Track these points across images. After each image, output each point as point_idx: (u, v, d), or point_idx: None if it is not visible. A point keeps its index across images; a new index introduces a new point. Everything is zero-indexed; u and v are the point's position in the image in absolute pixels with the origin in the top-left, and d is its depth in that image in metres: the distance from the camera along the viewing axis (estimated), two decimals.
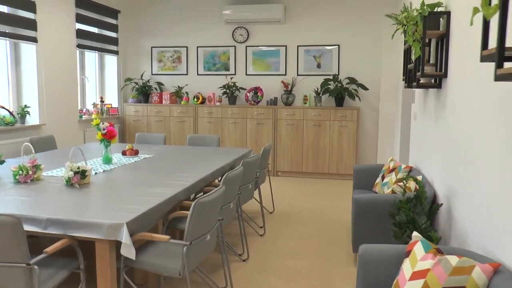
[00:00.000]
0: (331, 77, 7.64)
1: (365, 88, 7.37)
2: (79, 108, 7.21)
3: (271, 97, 7.91)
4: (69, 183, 3.22)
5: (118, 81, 8.26)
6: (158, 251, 2.73)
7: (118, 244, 2.52)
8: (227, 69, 8.08)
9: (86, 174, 3.27)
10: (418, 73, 3.62)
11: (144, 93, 8.14)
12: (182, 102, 8.03)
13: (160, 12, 8.29)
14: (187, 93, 8.11)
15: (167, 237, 2.47)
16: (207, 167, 4.03)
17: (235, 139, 7.66)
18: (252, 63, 7.99)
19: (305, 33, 7.76)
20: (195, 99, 7.96)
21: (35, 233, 2.52)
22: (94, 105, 7.70)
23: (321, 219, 5.19)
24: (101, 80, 8.20)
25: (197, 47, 8.18)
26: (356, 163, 7.38)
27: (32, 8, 6.08)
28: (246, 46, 7.99)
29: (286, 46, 7.84)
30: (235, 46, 8.03)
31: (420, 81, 3.85)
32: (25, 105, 6.07)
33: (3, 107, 5.81)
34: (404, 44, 4.62)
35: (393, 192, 3.76)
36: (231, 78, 7.96)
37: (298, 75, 7.85)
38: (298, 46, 7.80)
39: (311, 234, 4.67)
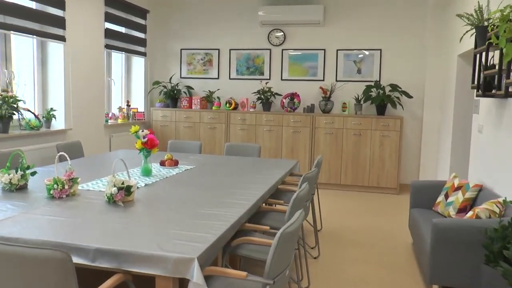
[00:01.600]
0: (372, 83, 7.16)
1: (409, 96, 6.88)
2: (105, 112, 6.81)
3: (307, 104, 7.44)
4: (112, 200, 2.78)
5: (145, 84, 7.86)
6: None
7: (181, 280, 2.06)
8: (261, 74, 7.64)
9: (132, 190, 2.83)
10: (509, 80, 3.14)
11: (172, 98, 7.71)
12: (214, 108, 7.59)
13: (191, 12, 7.88)
14: (218, 98, 7.68)
15: (244, 273, 2.02)
16: (261, 182, 3.57)
17: (269, 148, 7.19)
18: (288, 68, 7.54)
19: (345, 36, 7.30)
20: (227, 105, 7.52)
21: (80, 266, 2.07)
22: (120, 109, 7.30)
23: (376, 240, 4.70)
24: (127, 83, 7.80)
25: (230, 49, 7.75)
26: (399, 177, 6.88)
27: (61, 5, 5.69)
28: (282, 49, 7.54)
29: (324, 49, 7.39)
30: (270, 49, 7.59)
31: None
32: (51, 108, 5.67)
33: (28, 110, 5.41)
34: (475, 47, 4.13)
35: (477, 216, 3.27)
36: (266, 83, 7.52)
37: (336, 80, 7.38)
38: (337, 50, 7.34)
39: (370, 257, 4.18)
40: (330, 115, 7.04)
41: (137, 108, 7.61)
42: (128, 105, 7.40)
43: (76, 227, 2.32)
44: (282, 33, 7.50)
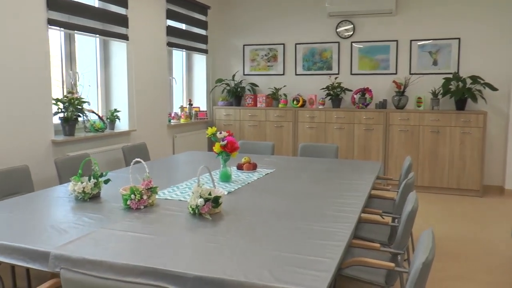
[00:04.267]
0: (449, 76, 6.58)
1: (494, 89, 6.26)
2: (167, 111, 6.57)
3: (380, 99, 6.94)
4: (198, 213, 2.44)
5: (207, 82, 7.58)
6: None
7: None
8: (329, 68, 7.20)
9: (220, 201, 2.48)
10: None
11: (236, 95, 7.39)
12: (280, 105, 7.22)
13: (254, 6, 7.53)
14: (285, 95, 7.29)
15: None
16: (355, 189, 3.16)
17: (340, 147, 6.74)
18: (358, 61, 7.07)
19: (420, 26, 6.75)
20: (295, 102, 7.13)
21: None
22: (182, 108, 7.05)
23: (477, 253, 4.17)
24: (188, 81, 7.55)
25: (296, 44, 7.34)
26: (482, 177, 6.28)
27: (124, 3, 5.46)
28: (352, 42, 7.08)
29: (397, 41, 6.86)
30: (339, 42, 7.13)
31: None
32: (115, 109, 5.46)
33: (93, 112, 5.22)
34: None
35: None
36: (336, 78, 7.07)
37: (410, 73, 6.85)
38: (411, 41, 6.80)
39: (472, 274, 3.69)
40: (404, 111, 6.53)
41: (199, 107, 7.35)
42: (191, 104, 7.15)
43: (165, 248, 1.99)
44: (351, 25, 7.02)
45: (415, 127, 6.46)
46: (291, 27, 7.36)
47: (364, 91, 6.86)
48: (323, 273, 1.69)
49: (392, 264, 2.06)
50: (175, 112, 6.92)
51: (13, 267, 2.04)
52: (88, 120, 5.13)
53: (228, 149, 3.26)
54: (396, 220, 3.10)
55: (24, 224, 2.37)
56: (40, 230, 2.26)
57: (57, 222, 2.39)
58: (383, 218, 3.28)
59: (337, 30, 7.11)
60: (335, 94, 6.88)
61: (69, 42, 5.03)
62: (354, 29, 7.03)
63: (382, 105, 6.76)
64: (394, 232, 2.92)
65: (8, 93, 4.02)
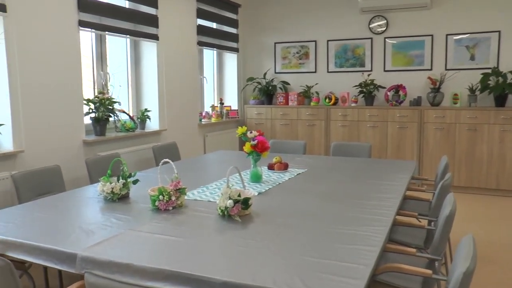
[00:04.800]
0: (487, 71, 6.34)
1: None
2: (198, 111, 6.55)
3: (414, 97, 6.75)
4: (227, 214, 2.38)
5: (238, 81, 7.53)
6: None
7: None
8: (362, 65, 7.05)
9: (249, 203, 2.42)
10: None
11: (267, 94, 7.32)
12: (312, 103, 7.11)
13: (284, 3, 7.43)
14: (317, 93, 7.18)
15: None
16: (389, 190, 3.05)
17: (373, 146, 6.58)
18: (392, 57, 6.89)
19: (456, 19, 6.52)
20: (327, 100, 7.01)
21: None
22: (213, 107, 7.02)
23: None
24: (219, 80, 7.52)
25: (328, 40, 7.22)
26: None
27: (154, 3, 5.46)
28: (385, 38, 6.90)
29: (432, 35, 6.66)
30: (371, 38, 6.97)
31: None
32: (145, 109, 5.47)
33: (123, 112, 5.23)
34: None
35: None
36: (368, 75, 6.92)
37: (446, 69, 6.63)
38: (447, 35, 6.59)
39: None
40: (440, 108, 6.33)
41: (230, 106, 7.31)
42: (222, 103, 7.11)
43: (192, 251, 1.94)
44: (385, 20, 6.86)
45: (451, 125, 6.26)
46: (323, 24, 7.24)
47: (397, 88, 6.68)
48: (357, 281, 1.60)
49: (430, 271, 1.96)
50: (206, 111, 6.90)
51: (45, 266, 2.06)
52: (119, 120, 5.15)
53: (259, 149, 3.20)
54: (433, 223, 2.97)
55: (54, 224, 2.36)
56: (68, 231, 2.25)
57: (85, 223, 2.37)
58: (419, 221, 3.15)
59: (370, 25, 6.95)
60: (368, 92, 6.73)
61: (100, 43, 5.06)
62: (387, 24, 6.86)
63: (417, 102, 6.57)
64: (430, 236, 2.80)
65: (41, 94, 4.06)
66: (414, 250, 2.25)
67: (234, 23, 7.34)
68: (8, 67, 3.75)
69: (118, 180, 2.85)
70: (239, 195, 2.38)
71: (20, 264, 2.41)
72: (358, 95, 6.88)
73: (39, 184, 3.41)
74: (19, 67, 3.85)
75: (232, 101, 7.54)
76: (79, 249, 1.99)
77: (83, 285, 1.89)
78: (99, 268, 1.90)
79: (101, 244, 2.05)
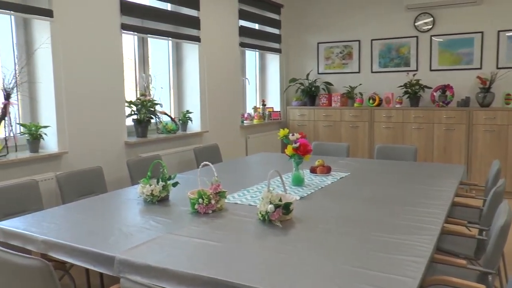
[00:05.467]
0: None
1: None
2: (240, 112, 6.52)
3: (462, 97, 6.49)
4: (267, 219, 2.32)
5: (280, 82, 7.47)
6: None
7: None
8: (407, 65, 6.85)
9: (291, 208, 2.35)
10: None
11: (310, 95, 7.22)
12: (355, 105, 6.95)
13: (328, 3, 7.31)
14: (360, 94, 7.03)
15: None
16: (437, 196, 2.91)
17: (419, 149, 6.37)
18: (438, 56, 6.66)
19: (509, 14, 6.23)
20: (371, 101, 6.84)
21: None
22: (255, 109, 6.98)
23: None
24: (261, 81, 7.48)
25: (372, 40, 7.05)
26: None
27: (195, 5, 5.46)
28: (431, 36, 6.67)
29: (482, 32, 6.39)
30: (417, 37, 6.76)
31: None
32: (187, 111, 5.48)
33: (165, 113, 5.25)
34: None
35: None
36: (414, 75, 6.72)
37: (498, 68, 6.35)
38: (498, 32, 6.30)
39: None
40: (490, 109, 6.06)
41: (272, 107, 7.25)
42: (264, 105, 7.06)
43: (231, 257, 1.88)
44: (431, 18, 6.63)
45: (502, 127, 5.98)
46: (366, 23, 7.07)
47: (444, 88, 6.45)
48: None
49: (483, 286, 1.83)
50: (248, 113, 6.87)
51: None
52: (161, 121, 5.17)
53: (301, 152, 3.11)
54: (484, 232, 2.81)
55: (94, 226, 2.37)
56: (107, 233, 2.24)
57: (124, 225, 2.37)
58: (469, 230, 2.99)
59: (416, 23, 6.73)
60: (413, 92, 6.53)
61: (142, 45, 5.10)
62: (433, 22, 6.63)
63: (465, 103, 6.32)
64: (481, 246, 2.65)
65: (84, 97, 4.12)
66: (464, 262, 2.12)
67: (276, 24, 7.28)
68: (54, 71, 3.82)
69: (157, 182, 2.84)
70: (280, 200, 2.31)
71: (62, 264, 2.43)
72: (403, 95, 6.68)
73: (82, 185, 3.46)
74: (64, 71, 3.92)
75: (274, 102, 7.48)
76: (117, 252, 1.97)
77: None
78: (136, 271, 1.87)
79: (139, 248, 2.03)
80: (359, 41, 7.15)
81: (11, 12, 3.56)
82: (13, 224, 2.42)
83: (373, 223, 2.33)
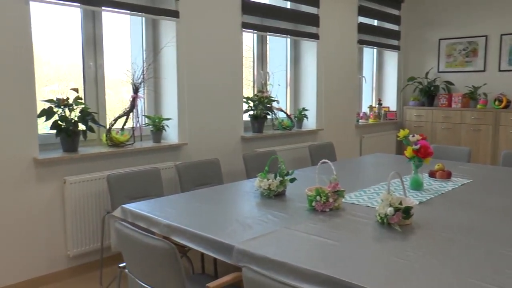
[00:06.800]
0: None
1: None
2: (356, 111, 6.42)
3: None
4: (386, 222, 2.26)
5: (398, 81, 7.24)
6: None
7: None
8: None
9: (411, 213, 2.27)
10: None
11: (428, 95, 6.91)
12: (478, 106, 6.52)
13: None
14: (485, 94, 6.58)
15: None
16: None
17: None
18: None
19: None
20: (496, 103, 6.38)
21: None
22: (371, 108, 6.83)
23: None
24: (378, 80, 7.29)
25: (501, 35, 6.54)
26: None
27: (315, 3, 5.47)
28: None
29: None
30: None
31: None
32: (303, 108, 5.51)
33: (281, 110, 5.33)
34: None
35: None
36: None
37: None
38: None
39: None
40: None
41: (388, 107, 7.05)
42: (380, 104, 6.89)
43: (349, 257, 1.86)
44: None
45: None
46: (495, 16, 6.55)
47: None
48: None
49: None
50: (363, 112, 6.75)
51: (202, 252, 2.18)
52: (277, 118, 5.25)
53: (421, 154, 3.00)
54: None
55: (212, 215, 2.48)
56: (226, 223, 2.33)
57: (242, 217, 2.44)
58: None
59: None
60: None
61: (261, 43, 5.21)
62: None
63: None
64: None
65: (205, 92, 4.34)
66: None
67: (396, 20, 7.06)
68: (177, 68, 4.08)
69: (275, 177, 2.88)
70: (400, 203, 2.24)
71: (181, 248, 2.57)
72: None
73: (199, 175, 3.64)
74: (187, 68, 4.15)
75: (390, 101, 7.27)
76: (236, 242, 2.04)
77: (239, 276, 1.95)
78: (254, 262, 1.92)
79: (257, 239, 2.08)
80: (486, 36, 6.66)
81: (143, 14, 3.84)
82: (139, 207, 2.62)
83: (502, 236, 2.17)
